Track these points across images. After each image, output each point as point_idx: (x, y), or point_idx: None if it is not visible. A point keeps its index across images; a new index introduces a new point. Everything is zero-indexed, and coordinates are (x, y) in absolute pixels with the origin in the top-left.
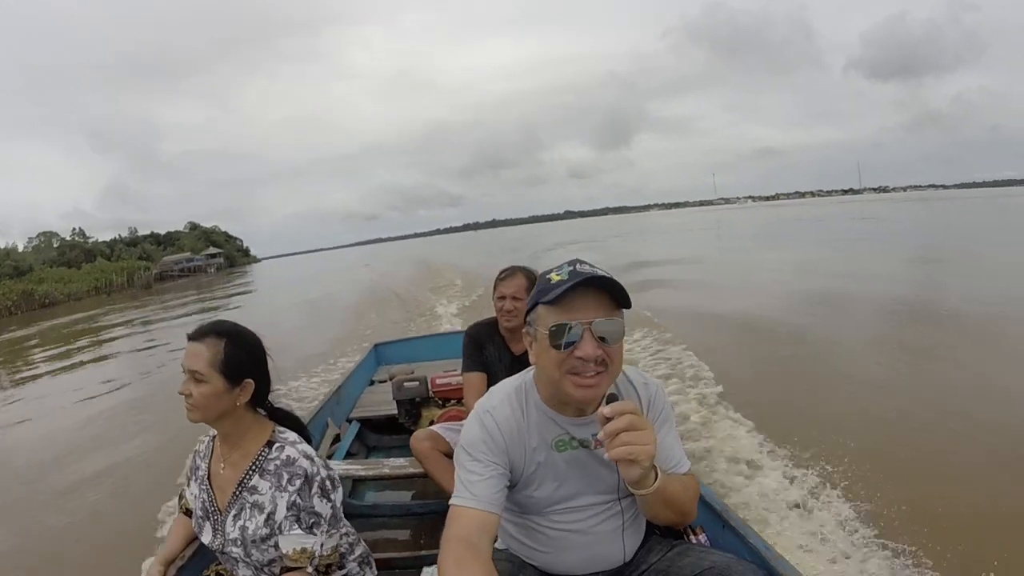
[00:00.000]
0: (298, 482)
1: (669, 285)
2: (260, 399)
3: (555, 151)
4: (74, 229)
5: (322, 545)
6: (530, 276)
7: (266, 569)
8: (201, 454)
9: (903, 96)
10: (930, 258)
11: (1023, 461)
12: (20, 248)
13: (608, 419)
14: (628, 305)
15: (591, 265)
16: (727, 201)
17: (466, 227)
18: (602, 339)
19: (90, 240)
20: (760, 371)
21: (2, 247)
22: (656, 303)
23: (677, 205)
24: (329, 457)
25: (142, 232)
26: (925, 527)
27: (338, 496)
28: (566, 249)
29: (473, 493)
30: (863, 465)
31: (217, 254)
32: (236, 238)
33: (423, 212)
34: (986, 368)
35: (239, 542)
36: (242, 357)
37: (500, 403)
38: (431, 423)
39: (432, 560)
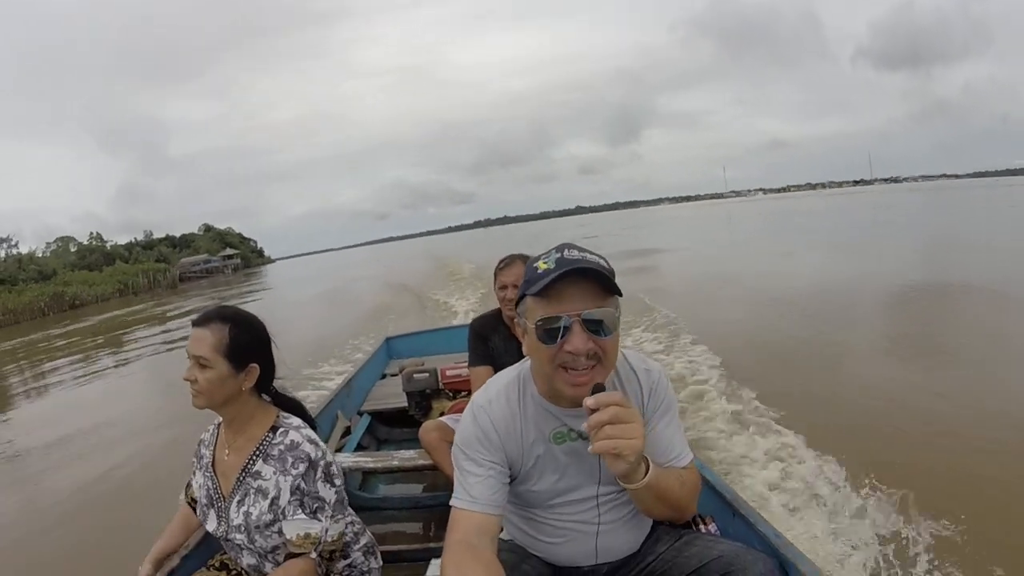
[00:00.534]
0: (302, 466)
1: (675, 274)
2: (265, 384)
3: (565, 147)
4: (91, 233)
5: (327, 531)
6: None
7: (270, 556)
8: (206, 442)
9: (912, 86)
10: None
11: None
12: (39, 253)
13: (593, 410)
14: (620, 292)
15: (580, 250)
16: (738, 194)
17: (477, 224)
18: (594, 331)
19: (107, 244)
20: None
21: (24, 252)
22: (660, 290)
23: (688, 199)
24: (339, 450)
25: (157, 235)
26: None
27: (342, 482)
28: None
29: (471, 495)
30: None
31: (234, 255)
32: (250, 239)
33: (433, 210)
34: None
35: (243, 528)
36: (247, 342)
37: (495, 397)
38: (441, 415)
39: (441, 552)
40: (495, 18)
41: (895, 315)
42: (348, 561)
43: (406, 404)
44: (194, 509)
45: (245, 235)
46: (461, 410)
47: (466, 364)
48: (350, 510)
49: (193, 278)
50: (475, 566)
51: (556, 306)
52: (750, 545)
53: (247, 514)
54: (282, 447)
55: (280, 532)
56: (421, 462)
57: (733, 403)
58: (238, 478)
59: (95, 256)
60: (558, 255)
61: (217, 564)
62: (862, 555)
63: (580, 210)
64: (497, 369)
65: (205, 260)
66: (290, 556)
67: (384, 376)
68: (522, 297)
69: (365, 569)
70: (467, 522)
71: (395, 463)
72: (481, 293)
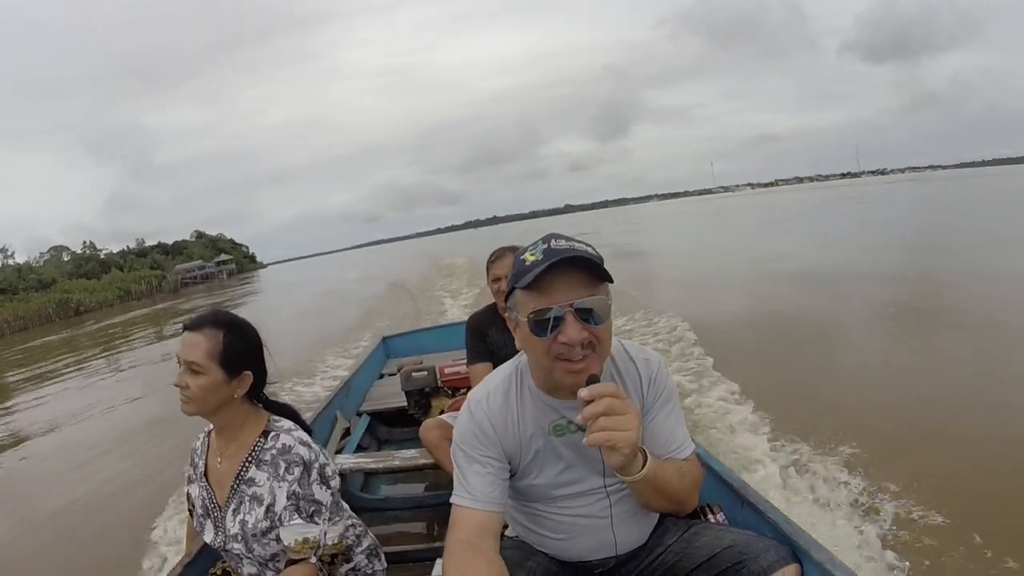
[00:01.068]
0: (296, 470)
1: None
2: (256, 391)
3: (553, 145)
4: (84, 242)
5: (325, 534)
6: None
7: (271, 564)
8: (198, 451)
9: (899, 78)
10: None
11: None
12: (32, 263)
13: (588, 401)
14: (610, 279)
15: (568, 239)
16: (726, 189)
17: (467, 224)
18: (586, 319)
19: (101, 252)
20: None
21: (22, 262)
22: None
23: (677, 195)
24: (339, 451)
25: (149, 242)
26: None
27: (338, 484)
28: None
29: (471, 492)
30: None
31: (228, 261)
32: (242, 245)
33: (423, 211)
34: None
35: (240, 537)
36: (241, 348)
37: (492, 392)
38: (441, 413)
39: None
40: (479, 17)
41: (859, 302)
42: (351, 565)
43: (405, 403)
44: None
45: (237, 241)
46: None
47: (464, 361)
48: (351, 512)
49: (191, 283)
50: (477, 565)
51: (547, 297)
52: (760, 533)
53: (243, 523)
54: (274, 452)
55: (278, 539)
56: (423, 461)
57: (737, 397)
58: (232, 486)
59: (91, 264)
60: (545, 246)
61: (219, 572)
62: (869, 543)
63: (569, 208)
64: (497, 364)
65: (200, 266)
66: (291, 563)
67: (382, 376)
68: (511, 291)
69: (369, 572)
70: (468, 520)
71: (396, 463)
72: (476, 292)
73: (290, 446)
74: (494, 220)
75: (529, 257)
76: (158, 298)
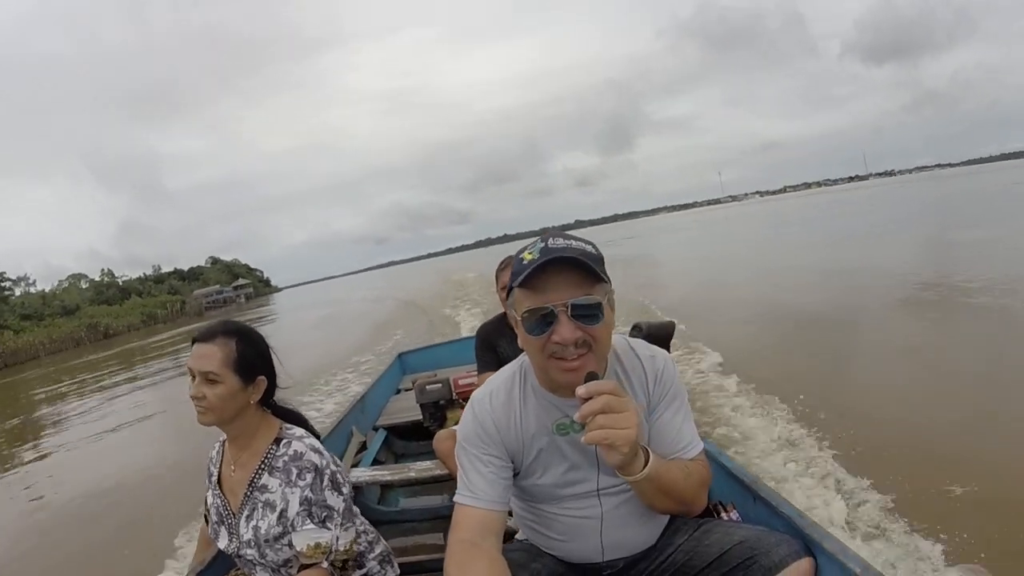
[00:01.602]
0: (309, 476)
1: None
2: (268, 397)
3: (559, 161)
4: (103, 270)
5: (337, 539)
6: None
7: (283, 570)
8: (213, 460)
9: (901, 78)
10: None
11: None
12: (47, 290)
13: (587, 399)
14: (607, 279)
15: (565, 238)
16: (734, 199)
17: (478, 244)
18: (581, 318)
19: (119, 279)
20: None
21: (39, 290)
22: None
23: (686, 206)
24: (355, 465)
25: (165, 268)
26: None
27: (349, 490)
28: None
29: (473, 491)
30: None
31: (246, 285)
32: (256, 269)
33: (432, 231)
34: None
35: (253, 543)
36: (253, 355)
37: (495, 391)
38: (456, 424)
39: None
40: (478, 37)
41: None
42: (364, 571)
43: (421, 417)
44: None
45: (251, 266)
46: None
47: (477, 378)
48: (363, 519)
49: (213, 307)
50: (478, 564)
51: (542, 296)
52: (773, 528)
53: (256, 528)
54: (286, 458)
55: (290, 545)
56: (438, 472)
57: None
58: (245, 493)
59: (112, 291)
60: (542, 244)
61: None
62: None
63: (580, 224)
64: None
65: (218, 291)
66: (303, 568)
67: (399, 391)
68: (511, 290)
69: None
70: (470, 519)
71: (412, 475)
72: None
73: (302, 452)
74: (504, 238)
75: (527, 256)
76: (182, 321)
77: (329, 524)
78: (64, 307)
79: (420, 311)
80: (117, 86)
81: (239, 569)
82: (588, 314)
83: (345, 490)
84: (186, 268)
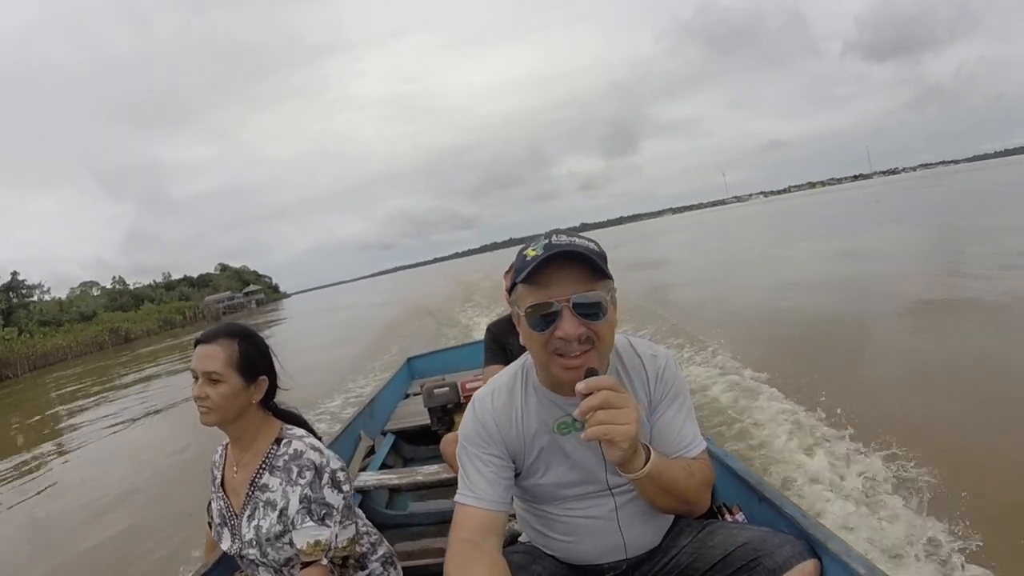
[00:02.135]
0: (308, 474)
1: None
2: (268, 398)
3: (563, 165)
4: (114, 277)
5: (336, 537)
6: None
7: (285, 570)
8: (216, 463)
9: (904, 75)
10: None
11: None
12: (69, 297)
13: (586, 396)
14: (610, 275)
15: (569, 235)
16: (739, 199)
17: (484, 248)
18: (585, 315)
19: (130, 286)
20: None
21: (54, 298)
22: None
23: (691, 208)
24: (363, 469)
25: (175, 275)
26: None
27: (350, 489)
28: None
29: (473, 491)
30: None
31: (257, 291)
32: (265, 276)
33: (437, 236)
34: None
35: (254, 542)
36: (255, 355)
37: (496, 390)
38: None
39: None
40: (481, 41)
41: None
42: (366, 572)
43: (429, 421)
44: (212, 529)
45: (259, 272)
46: None
47: (483, 372)
48: (366, 521)
49: (229, 312)
50: (478, 564)
51: (545, 292)
52: (778, 530)
53: (257, 528)
54: (286, 457)
55: (291, 543)
56: (446, 476)
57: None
58: (247, 493)
59: (125, 298)
60: (546, 241)
61: None
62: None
63: (585, 227)
64: None
65: (229, 297)
66: (304, 566)
67: (407, 396)
68: (514, 286)
69: None
70: (471, 519)
71: (419, 478)
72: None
73: (301, 451)
74: (510, 242)
75: (530, 252)
76: (201, 325)
77: (328, 521)
78: (81, 313)
79: (434, 312)
80: (121, 95)
81: (242, 571)
82: (591, 311)
83: (345, 488)
84: (195, 275)
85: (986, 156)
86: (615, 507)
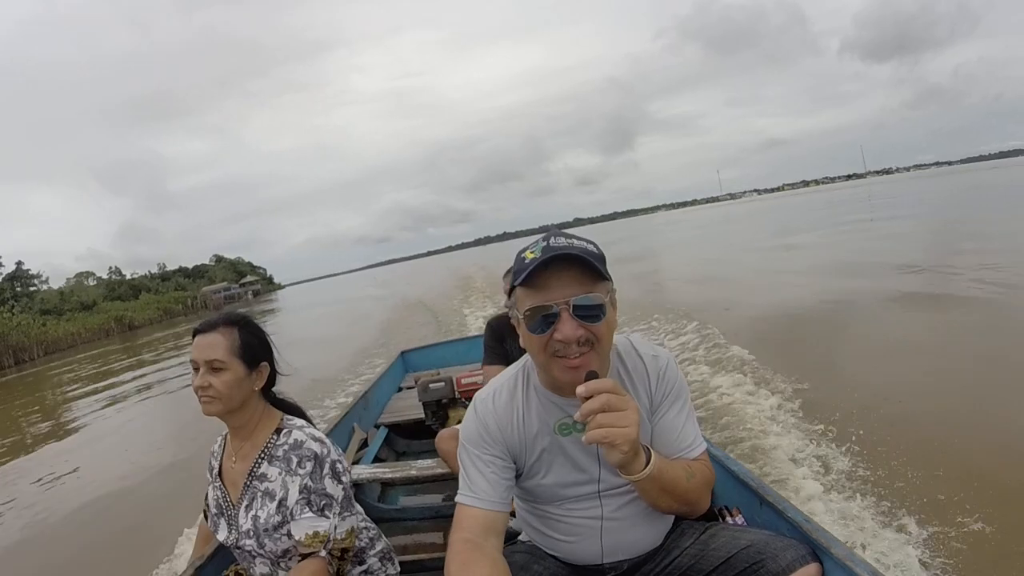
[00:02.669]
0: (309, 464)
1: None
2: (268, 387)
3: (560, 160)
4: (111, 268)
5: (335, 528)
6: None
7: (282, 563)
8: (215, 454)
9: (903, 75)
10: None
11: None
12: (66, 287)
13: (587, 398)
14: (608, 277)
15: (567, 237)
16: (733, 197)
17: (478, 242)
18: (584, 317)
19: (126, 276)
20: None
21: (52, 288)
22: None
23: (685, 204)
24: (356, 462)
25: (169, 267)
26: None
27: (349, 480)
28: None
29: (474, 491)
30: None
31: (255, 282)
32: (260, 267)
33: (433, 230)
34: None
35: (252, 533)
36: (256, 342)
37: (497, 391)
38: (458, 423)
39: None
40: (480, 37)
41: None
42: (364, 567)
43: (423, 415)
44: (208, 520)
45: (254, 264)
46: None
47: (481, 372)
48: (365, 516)
49: (229, 302)
50: (480, 564)
51: (544, 294)
52: (780, 533)
53: (255, 518)
54: (286, 447)
55: (289, 535)
56: (439, 471)
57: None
58: (245, 483)
59: (123, 288)
60: (544, 243)
61: (231, 575)
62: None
63: (579, 222)
64: None
65: (226, 287)
66: (302, 558)
67: (400, 389)
68: (512, 289)
69: (382, 575)
70: (472, 519)
71: (413, 473)
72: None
73: (302, 441)
74: (505, 236)
75: (528, 254)
76: (202, 314)
77: (328, 513)
78: (81, 303)
79: (432, 305)
80: (120, 90)
81: (238, 564)
82: (591, 313)
83: (345, 479)
84: (190, 267)
85: (982, 158)
86: (617, 507)
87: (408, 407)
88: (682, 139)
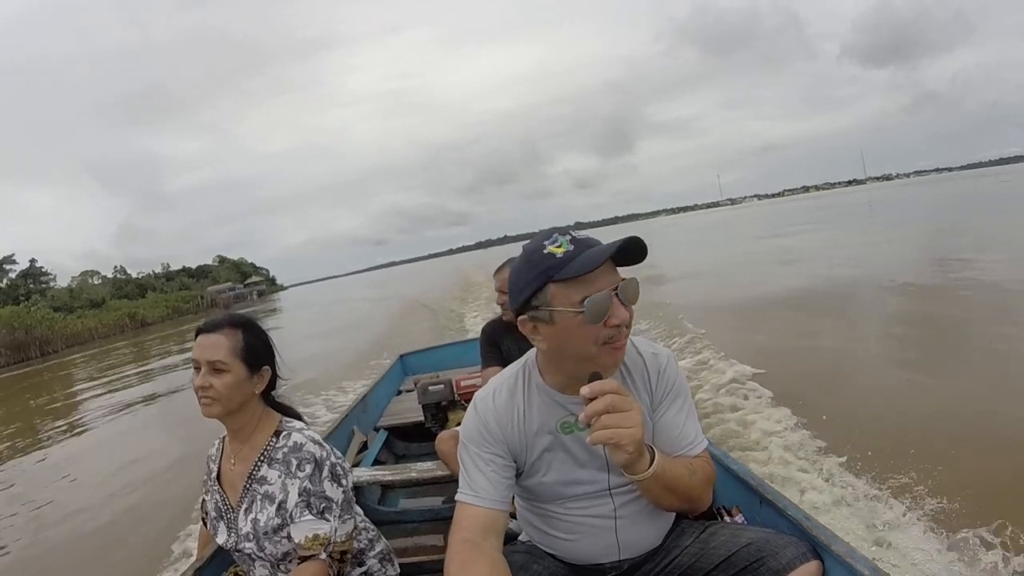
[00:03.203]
0: (308, 467)
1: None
2: (269, 390)
3: (558, 163)
4: (115, 267)
5: (335, 531)
6: None
7: (282, 565)
8: (213, 457)
9: (900, 80)
10: None
11: None
12: (71, 286)
13: (591, 399)
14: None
15: (577, 231)
16: (733, 202)
17: (478, 245)
18: (624, 300)
19: (130, 275)
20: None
21: (57, 287)
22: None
23: (685, 209)
24: (356, 465)
25: (173, 267)
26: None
27: (349, 483)
28: None
29: (475, 489)
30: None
31: (259, 282)
32: (263, 268)
33: (431, 232)
34: None
35: (251, 536)
36: (258, 345)
37: (497, 389)
38: (458, 425)
39: None
40: (477, 38)
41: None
42: (364, 569)
43: (423, 418)
44: (206, 524)
45: (256, 264)
46: None
47: (480, 375)
48: (365, 518)
49: (237, 301)
50: (480, 564)
51: (591, 286)
52: (780, 531)
53: (255, 521)
54: (286, 449)
55: (289, 537)
56: (439, 473)
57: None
58: (244, 486)
59: (130, 287)
60: (568, 237)
61: None
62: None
63: (580, 225)
64: None
65: (230, 287)
66: (301, 560)
67: (400, 392)
68: (541, 287)
69: None
70: (472, 518)
71: (413, 475)
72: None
73: (301, 443)
74: (505, 239)
75: (557, 250)
76: (212, 313)
77: (328, 515)
78: (91, 300)
79: (434, 305)
80: (115, 89)
81: (238, 566)
82: (632, 297)
83: (345, 482)
84: (193, 267)
85: (981, 164)
86: (617, 507)
87: (407, 410)
88: (680, 141)
